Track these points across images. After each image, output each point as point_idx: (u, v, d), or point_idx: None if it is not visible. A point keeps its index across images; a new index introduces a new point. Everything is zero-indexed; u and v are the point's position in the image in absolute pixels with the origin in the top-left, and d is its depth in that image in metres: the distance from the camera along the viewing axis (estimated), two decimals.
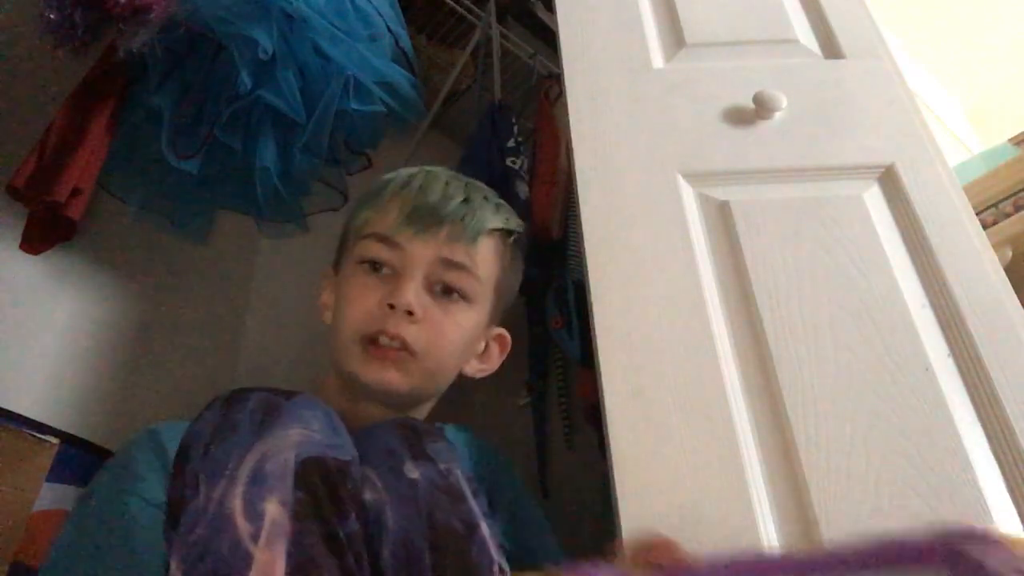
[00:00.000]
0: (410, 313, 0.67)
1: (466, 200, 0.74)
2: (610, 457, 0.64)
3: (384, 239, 0.71)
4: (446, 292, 0.71)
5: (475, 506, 0.52)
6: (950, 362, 0.69)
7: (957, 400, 0.67)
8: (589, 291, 0.75)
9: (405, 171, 0.77)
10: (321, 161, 1.10)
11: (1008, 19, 2.39)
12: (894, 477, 0.62)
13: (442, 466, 0.53)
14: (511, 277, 0.79)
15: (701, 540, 0.59)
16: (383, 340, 0.67)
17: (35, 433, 0.92)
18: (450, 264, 0.71)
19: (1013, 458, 0.63)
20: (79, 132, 0.94)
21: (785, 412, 0.65)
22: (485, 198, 0.76)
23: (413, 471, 0.51)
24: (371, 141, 1.17)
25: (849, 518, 0.60)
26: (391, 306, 0.67)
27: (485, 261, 0.74)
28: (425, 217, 0.71)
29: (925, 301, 0.73)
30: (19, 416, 0.92)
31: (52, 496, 0.90)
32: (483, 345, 0.77)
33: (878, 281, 0.74)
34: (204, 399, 1.16)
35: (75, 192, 0.91)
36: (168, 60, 0.97)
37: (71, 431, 0.95)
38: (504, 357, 0.79)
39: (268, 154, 1.03)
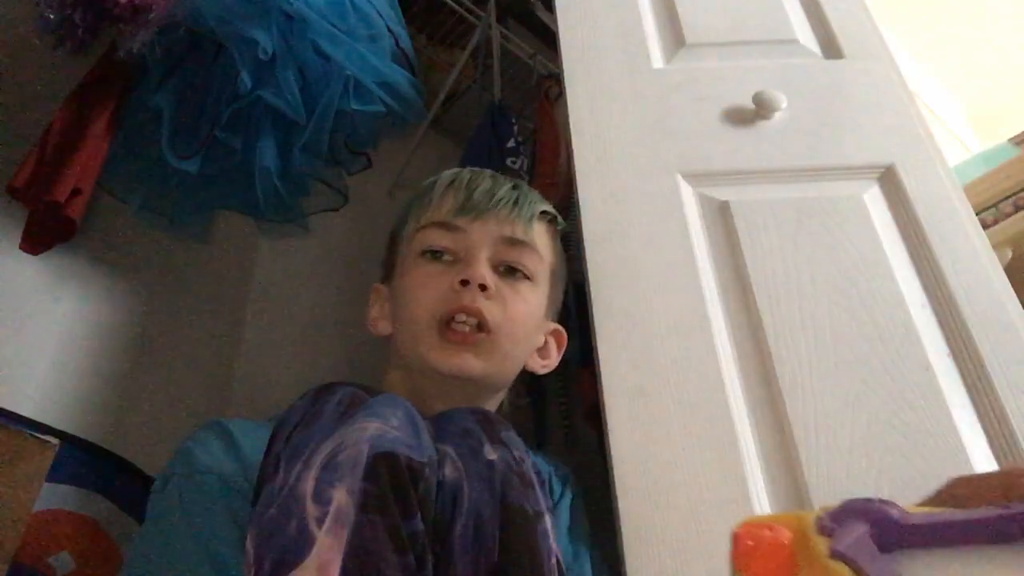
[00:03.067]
0: (483, 288, 0.69)
1: (515, 187, 0.77)
2: (610, 457, 0.64)
3: (445, 224, 0.74)
4: (510, 272, 0.73)
5: (542, 496, 0.53)
6: (950, 362, 0.69)
7: (957, 400, 0.67)
8: (589, 291, 0.75)
9: (447, 173, 0.80)
10: (321, 161, 1.10)
11: (1008, 19, 2.39)
12: (894, 477, 0.62)
13: (516, 453, 0.54)
14: (562, 266, 0.81)
15: (701, 540, 0.59)
16: (459, 319, 0.69)
17: (35, 433, 0.92)
18: (512, 242, 0.74)
19: (1013, 458, 0.63)
20: (79, 132, 0.93)
21: (785, 412, 0.65)
22: (527, 188, 0.80)
23: (491, 453, 0.52)
24: (371, 141, 1.16)
25: None
26: (464, 283, 0.69)
27: (542, 241, 0.77)
28: (481, 201, 0.74)
29: (925, 301, 0.74)
30: (19, 416, 0.92)
31: (52, 496, 0.90)
32: (542, 339, 0.78)
33: (878, 281, 0.74)
34: (204, 399, 1.17)
35: (75, 192, 0.91)
36: (168, 60, 0.97)
37: (71, 431, 0.95)
38: (562, 353, 0.80)
39: (268, 154, 1.03)
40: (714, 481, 0.62)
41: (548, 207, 0.79)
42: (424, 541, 0.46)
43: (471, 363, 0.69)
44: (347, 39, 1.02)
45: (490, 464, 0.51)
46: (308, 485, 0.45)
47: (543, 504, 0.52)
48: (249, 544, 0.45)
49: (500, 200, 0.74)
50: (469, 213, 0.74)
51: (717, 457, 0.63)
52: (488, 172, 0.80)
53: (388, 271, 0.81)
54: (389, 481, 0.46)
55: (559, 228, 0.81)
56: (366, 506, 0.44)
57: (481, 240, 0.73)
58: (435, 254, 0.73)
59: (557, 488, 0.77)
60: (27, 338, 0.99)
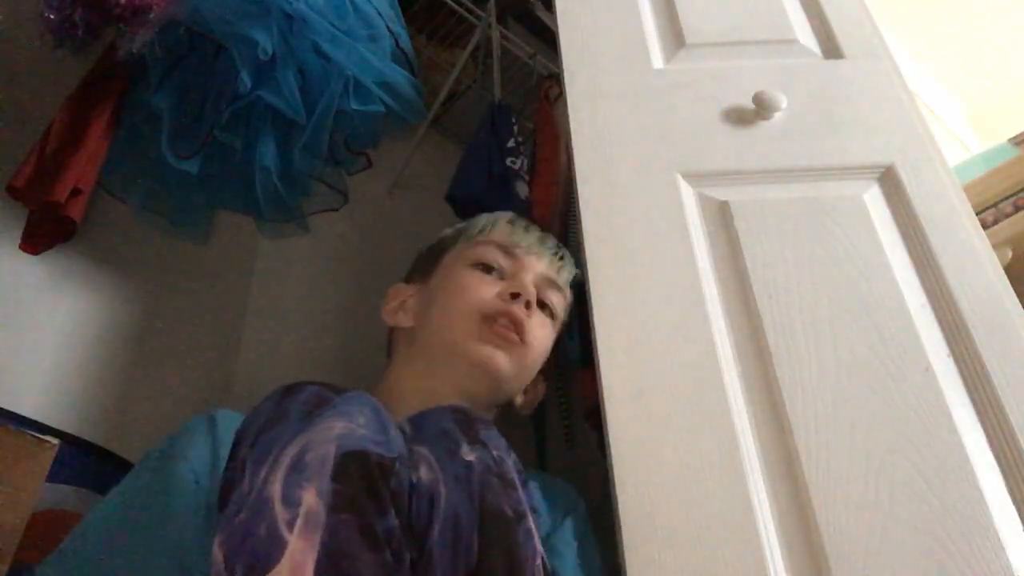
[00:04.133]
0: (528, 306, 0.76)
1: (559, 245, 0.88)
2: (610, 457, 0.64)
3: (504, 246, 0.82)
4: (543, 306, 0.82)
5: (523, 497, 0.53)
6: (950, 362, 0.69)
7: (957, 400, 0.67)
8: (589, 291, 0.75)
9: (504, 213, 0.89)
10: (321, 161, 1.10)
11: (1008, 19, 2.39)
12: (894, 477, 0.62)
13: (495, 453, 0.54)
14: (565, 324, 0.89)
15: (701, 540, 0.59)
16: (502, 322, 0.74)
17: (35, 433, 0.92)
18: (553, 284, 0.84)
19: (1013, 458, 0.63)
20: (79, 132, 0.93)
21: (785, 412, 0.65)
22: (568, 252, 0.89)
23: (469, 454, 0.52)
24: (371, 141, 1.16)
25: (849, 517, 0.60)
26: (514, 296, 0.76)
27: (568, 295, 0.87)
28: (536, 243, 0.84)
29: (925, 301, 0.73)
30: (19, 416, 0.92)
31: (52, 496, 0.90)
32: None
33: (878, 281, 0.74)
34: (204, 399, 1.17)
35: (75, 192, 0.91)
36: (168, 60, 0.97)
37: (71, 431, 0.95)
38: (537, 401, 0.89)
39: (268, 154, 1.03)
40: (714, 481, 0.62)
41: (576, 274, 0.88)
42: (400, 537, 0.46)
43: (501, 360, 0.74)
44: (347, 39, 1.02)
45: (468, 465, 0.51)
46: (276, 488, 0.44)
47: (525, 504, 0.52)
48: (217, 550, 0.44)
49: (550, 248, 0.85)
50: (524, 247, 0.83)
51: (717, 457, 0.63)
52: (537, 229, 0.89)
53: (422, 273, 0.86)
54: (359, 479, 0.46)
55: (573, 293, 0.89)
56: (337, 506, 0.44)
57: (531, 271, 0.81)
58: (488, 268, 0.80)
59: (556, 515, 0.75)
60: (27, 338, 0.99)
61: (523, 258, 0.82)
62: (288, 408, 0.51)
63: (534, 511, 0.53)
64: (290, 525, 0.43)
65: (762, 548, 0.59)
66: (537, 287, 0.81)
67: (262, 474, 0.46)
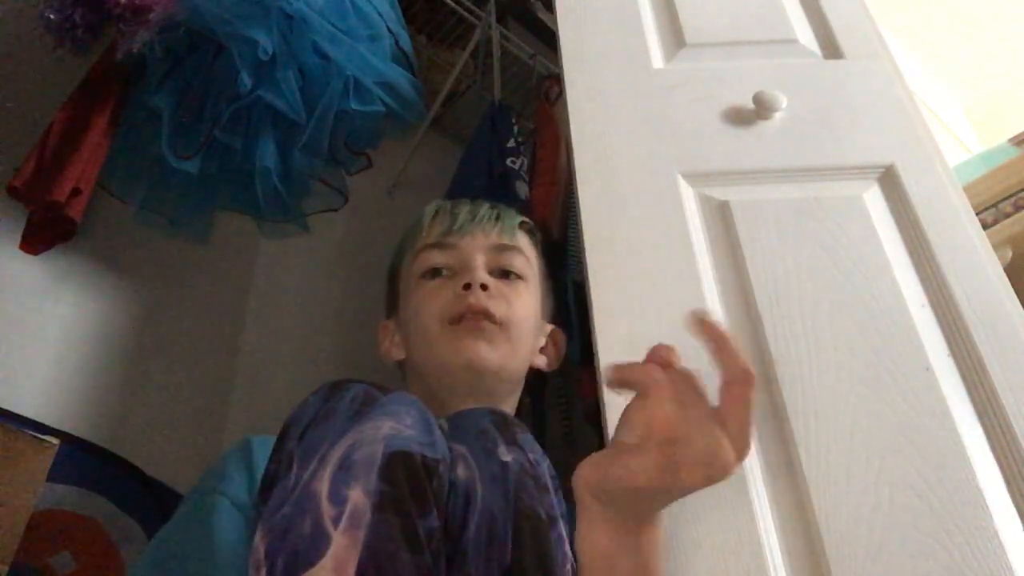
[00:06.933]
0: (484, 288, 0.74)
1: (493, 206, 0.84)
2: None
3: (437, 244, 0.79)
4: (504, 275, 0.79)
5: (556, 502, 0.53)
6: (950, 362, 0.69)
7: (957, 400, 0.67)
8: (589, 291, 0.75)
9: (429, 205, 0.86)
10: (321, 161, 1.10)
11: (1008, 19, 2.39)
12: (893, 476, 0.62)
13: (531, 455, 0.54)
14: (544, 268, 0.87)
15: (701, 540, 0.59)
16: (468, 317, 0.72)
17: (35, 433, 0.92)
18: (502, 248, 0.80)
19: (1013, 458, 0.63)
20: (79, 132, 0.93)
21: (785, 412, 0.65)
22: (505, 206, 0.86)
23: (506, 454, 0.52)
24: (371, 141, 1.16)
25: (849, 517, 0.60)
26: (467, 287, 0.74)
27: (526, 246, 0.83)
28: (466, 220, 0.81)
29: (925, 301, 0.73)
30: (19, 416, 0.92)
31: (52, 496, 0.90)
32: (543, 341, 0.83)
33: (878, 281, 0.74)
34: (204, 399, 1.16)
35: (75, 192, 0.91)
36: (168, 60, 0.97)
37: (71, 431, 0.95)
38: (562, 354, 0.85)
39: (268, 154, 1.03)
40: None
41: (526, 219, 0.86)
42: (439, 538, 0.46)
43: (484, 352, 0.72)
44: (347, 39, 1.02)
45: (504, 466, 0.51)
46: (323, 484, 0.45)
47: (557, 509, 0.52)
48: (259, 541, 0.44)
49: (483, 216, 0.81)
50: (458, 231, 0.80)
51: None
52: (466, 199, 0.86)
53: (392, 305, 0.85)
54: (405, 480, 0.46)
55: (535, 238, 0.87)
56: (382, 506, 0.44)
57: (473, 251, 0.78)
58: (434, 272, 0.78)
59: None
60: (27, 338, 0.99)
61: (459, 244, 0.79)
62: (336, 405, 0.51)
63: (564, 518, 0.53)
64: (335, 521, 0.43)
65: (762, 548, 0.59)
66: (487, 261, 0.78)
67: (309, 470, 0.46)
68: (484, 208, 0.83)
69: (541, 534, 0.49)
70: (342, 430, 0.48)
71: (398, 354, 0.81)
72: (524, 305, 0.78)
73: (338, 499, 0.44)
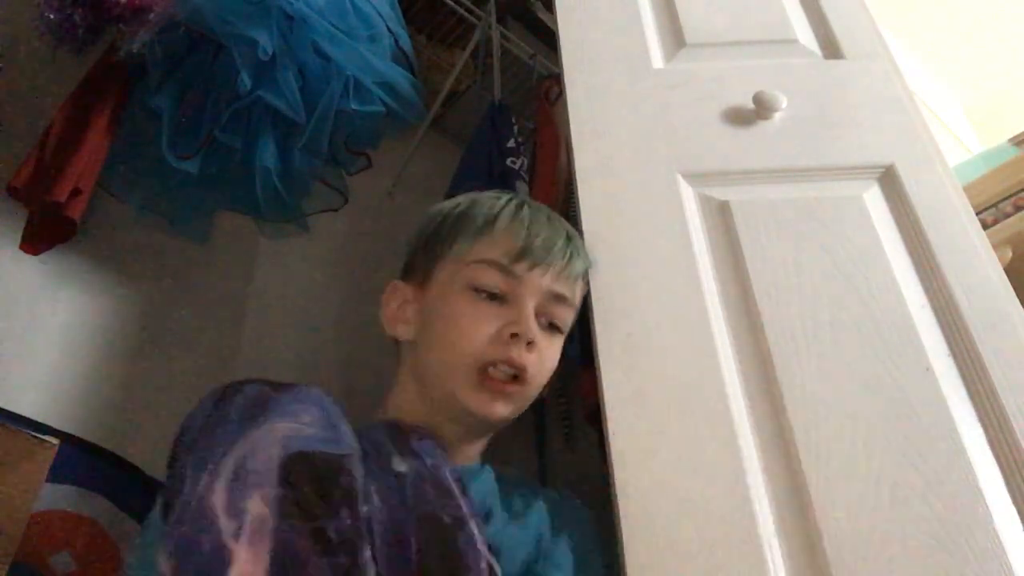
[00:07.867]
0: (530, 344, 0.69)
1: (568, 238, 0.76)
2: (610, 457, 0.64)
3: (502, 268, 0.72)
4: (550, 327, 0.73)
5: (463, 503, 0.52)
6: (950, 362, 0.69)
7: (957, 400, 0.67)
8: (589, 291, 0.75)
9: (502, 200, 0.78)
10: (321, 161, 1.10)
11: (1008, 19, 2.39)
12: (894, 476, 0.62)
13: (429, 461, 0.54)
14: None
15: (701, 540, 0.59)
16: (500, 368, 0.68)
17: (35, 433, 0.92)
18: (559, 299, 0.73)
19: (1013, 458, 0.63)
20: (79, 132, 0.93)
21: (785, 412, 0.65)
22: (577, 237, 0.79)
23: (400, 465, 0.52)
24: (371, 141, 1.16)
25: (849, 517, 0.60)
26: (514, 335, 0.68)
27: (579, 295, 0.76)
28: (539, 252, 0.72)
29: (925, 301, 0.73)
30: (19, 416, 0.92)
31: (52, 496, 0.90)
32: None
33: (878, 281, 0.74)
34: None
35: (75, 192, 0.91)
36: (168, 60, 0.97)
37: (71, 431, 0.95)
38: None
39: (268, 154, 1.03)
40: (714, 481, 0.62)
41: (589, 263, 0.78)
42: (354, 535, 0.45)
43: (500, 410, 0.69)
44: (347, 39, 1.02)
45: (400, 476, 0.51)
46: (219, 497, 0.43)
47: (464, 510, 0.51)
48: (164, 564, 0.42)
49: (556, 253, 0.73)
50: (527, 260, 0.72)
51: (717, 457, 0.63)
52: (545, 212, 0.78)
53: (417, 275, 0.78)
54: (308, 482, 0.44)
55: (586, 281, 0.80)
56: (286, 512, 0.43)
57: (533, 291, 0.72)
58: (489, 294, 0.72)
59: (556, 530, 0.71)
60: (27, 338, 0.99)
61: (523, 278, 0.72)
62: (227, 410, 0.49)
63: (483, 515, 0.52)
64: (236, 536, 0.41)
65: (762, 547, 0.59)
66: (541, 308, 0.72)
67: (201, 483, 0.44)
68: (561, 240, 0.74)
69: (445, 538, 0.49)
70: (233, 437, 0.47)
71: (405, 333, 0.75)
72: (553, 358, 0.74)
73: (236, 511, 0.42)
